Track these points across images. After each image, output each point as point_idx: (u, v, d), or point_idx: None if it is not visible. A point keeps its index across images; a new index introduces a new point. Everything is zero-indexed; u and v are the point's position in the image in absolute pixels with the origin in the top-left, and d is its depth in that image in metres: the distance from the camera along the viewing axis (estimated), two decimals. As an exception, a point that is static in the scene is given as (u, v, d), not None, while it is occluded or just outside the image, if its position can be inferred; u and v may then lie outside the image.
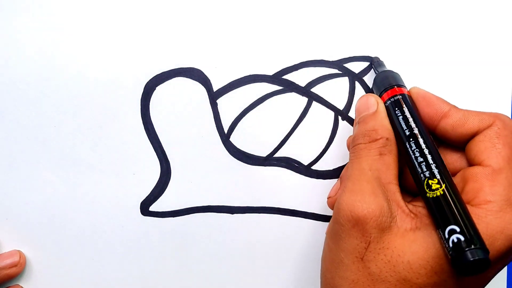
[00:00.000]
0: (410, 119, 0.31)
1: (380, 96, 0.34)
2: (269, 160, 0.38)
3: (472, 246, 0.25)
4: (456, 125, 0.31)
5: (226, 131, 0.38)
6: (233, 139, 0.38)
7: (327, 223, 0.38)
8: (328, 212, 0.38)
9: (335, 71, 0.38)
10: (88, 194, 0.37)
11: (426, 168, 0.29)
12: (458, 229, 0.26)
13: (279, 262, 0.39)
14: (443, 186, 0.28)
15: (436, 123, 0.32)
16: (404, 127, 0.31)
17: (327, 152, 0.38)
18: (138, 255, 0.38)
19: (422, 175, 0.29)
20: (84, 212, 0.37)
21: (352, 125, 0.38)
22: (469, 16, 0.39)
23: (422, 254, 0.27)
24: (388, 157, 0.31)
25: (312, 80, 0.38)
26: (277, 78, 0.38)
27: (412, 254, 0.27)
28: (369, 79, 0.39)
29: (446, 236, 0.26)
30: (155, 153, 0.38)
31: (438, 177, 0.29)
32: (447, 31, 0.39)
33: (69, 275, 0.38)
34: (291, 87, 0.38)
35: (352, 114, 0.39)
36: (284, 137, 0.38)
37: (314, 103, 0.38)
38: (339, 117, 0.38)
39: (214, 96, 0.38)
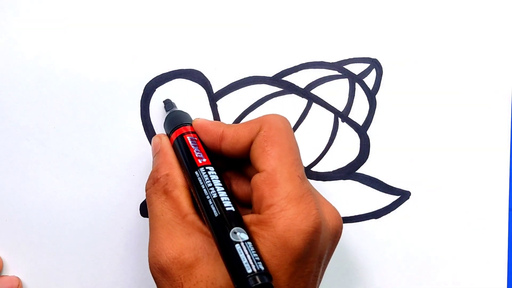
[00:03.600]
0: (186, 155, 0.32)
1: (169, 136, 0.34)
2: (269, 162, 0.38)
3: (249, 274, 0.25)
4: (233, 143, 0.31)
5: (226, 133, 0.38)
6: (233, 140, 0.38)
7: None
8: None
9: (335, 72, 0.38)
10: (87, 195, 0.38)
11: (201, 209, 0.30)
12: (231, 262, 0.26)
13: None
14: (208, 226, 0.29)
15: (218, 147, 0.32)
16: (184, 163, 0.31)
17: (327, 154, 0.38)
18: (137, 256, 0.38)
19: (202, 212, 0.30)
20: (83, 213, 0.38)
21: (352, 127, 0.38)
22: (469, 16, 0.39)
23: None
24: (174, 192, 0.31)
25: (312, 82, 0.38)
26: (277, 79, 0.38)
27: (223, 278, 0.27)
28: (369, 80, 0.39)
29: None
30: (155, 155, 0.38)
31: (206, 220, 0.29)
32: (447, 32, 0.39)
33: (68, 276, 0.38)
34: (291, 88, 0.38)
35: (352, 115, 0.39)
36: (284, 139, 0.38)
37: (314, 105, 0.38)
38: (339, 119, 0.38)
39: (214, 98, 0.38)
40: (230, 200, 0.29)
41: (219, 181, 0.30)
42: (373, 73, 0.38)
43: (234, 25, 0.38)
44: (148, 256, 0.30)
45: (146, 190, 0.32)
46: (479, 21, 0.39)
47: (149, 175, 0.33)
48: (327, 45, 0.38)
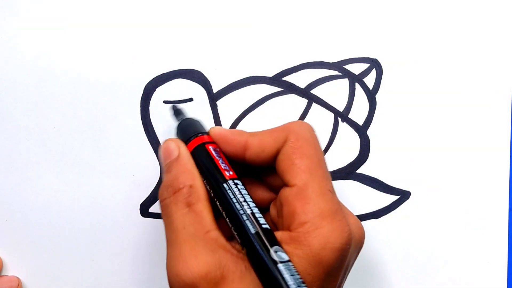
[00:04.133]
0: (211, 166, 0.30)
1: (187, 144, 0.32)
2: (269, 162, 0.38)
3: None
4: (258, 153, 0.30)
5: (226, 133, 0.38)
6: (233, 140, 0.38)
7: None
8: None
9: (335, 72, 0.38)
10: (88, 195, 0.38)
11: (231, 224, 0.28)
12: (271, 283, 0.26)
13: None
14: (244, 250, 0.27)
15: (242, 157, 0.31)
16: (208, 175, 0.30)
17: (327, 154, 0.38)
18: (137, 256, 0.38)
19: (230, 227, 0.28)
20: (83, 213, 0.38)
21: (352, 127, 0.38)
22: (469, 16, 0.39)
23: None
24: (197, 206, 0.29)
25: (312, 82, 0.38)
26: (277, 79, 0.38)
27: None
28: (369, 80, 0.39)
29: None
30: (155, 155, 0.38)
31: (239, 240, 0.28)
32: (447, 32, 0.39)
33: (68, 276, 0.38)
34: (291, 88, 0.38)
35: (352, 115, 0.39)
36: (284, 139, 0.38)
37: (314, 105, 0.38)
38: (339, 119, 0.38)
39: (214, 98, 0.38)
40: (263, 217, 0.28)
41: (249, 196, 0.29)
42: (373, 73, 0.38)
43: (234, 25, 0.38)
44: (170, 273, 0.28)
45: (163, 199, 0.30)
46: (479, 21, 0.39)
47: (165, 183, 0.30)
48: (327, 45, 0.38)
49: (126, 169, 0.37)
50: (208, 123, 0.38)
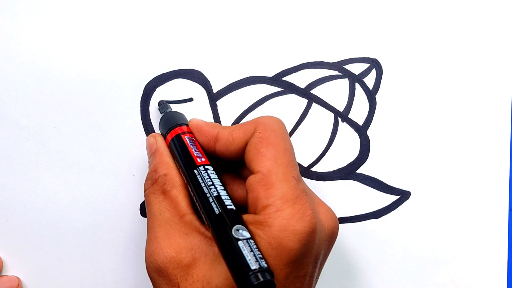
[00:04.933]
0: (185, 153, 0.32)
1: (165, 137, 0.34)
2: (269, 162, 0.38)
3: (252, 271, 0.25)
4: (228, 145, 0.31)
5: (226, 133, 0.38)
6: (233, 140, 0.38)
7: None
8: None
9: (335, 72, 0.38)
10: (87, 195, 0.38)
11: (200, 207, 0.30)
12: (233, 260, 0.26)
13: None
14: (210, 230, 0.29)
15: (213, 148, 0.32)
16: (182, 163, 0.31)
17: (326, 154, 0.38)
18: (137, 256, 0.38)
19: (201, 211, 0.30)
20: (83, 213, 0.38)
21: (352, 127, 0.38)
22: (469, 16, 0.39)
23: (226, 274, 0.27)
24: (172, 192, 0.31)
25: (312, 82, 0.38)
26: (277, 79, 0.38)
27: (218, 277, 0.27)
28: (369, 80, 0.39)
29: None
30: (155, 155, 0.38)
31: (207, 223, 0.29)
32: (447, 32, 0.39)
33: (68, 276, 0.38)
34: (291, 88, 0.38)
35: (352, 115, 0.39)
36: (284, 139, 0.38)
37: (314, 105, 0.38)
38: (339, 119, 0.38)
39: (214, 98, 0.38)
40: (230, 199, 0.29)
41: (218, 180, 0.30)
42: (373, 73, 0.38)
43: (234, 25, 0.38)
44: (145, 255, 0.30)
45: (144, 191, 0.33)
46: (479, 21, 0.39)
47: (147, 176, 0.33)
48: (327, 45, 0.38)
49: (126, 169, 0.37)
50: (208, 123, 0.38)
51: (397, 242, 0.39)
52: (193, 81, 0.38)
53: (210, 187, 0.29)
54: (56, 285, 0.38)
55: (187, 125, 0.34)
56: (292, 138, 0.38)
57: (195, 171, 0.30)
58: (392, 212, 0.39)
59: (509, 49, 0.39)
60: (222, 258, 0.27)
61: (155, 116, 0.38)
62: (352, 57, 0.38)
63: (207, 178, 0.30)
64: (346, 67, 0.38)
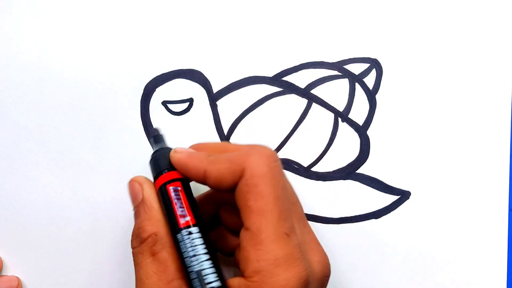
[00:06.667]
0: (169, 212, 0.29)
1: (155, 181, 0.31)
2: (269, 162, 0.38)
3: None
4: (217, 184, 0.29)
5: (226, 133, 0.38)
6: (233, 140, 0.38)
7: (326, 225, 0.38)
8: (328, 214, 0.38)
9: (335, 72, 0.38)
10: (87, 195, 0.38)
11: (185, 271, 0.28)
12: None
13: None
14: None
15: (204, 184, 0.30)
16: (169, 221, 0.29)
17: (326, 154, 0.38)
18: (138, 256, 0.38)
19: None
20: (83, 213, 0.38)
21: (352, 127, 0.38)
22: (469, 16, 0.39)
23: None
24: (162, 254, 0.29)
25: (312, 82, 0.38)
26: (277, 79, 0.38)
27: None
28: (369, 80, 0.39)
29: None
30: (155, 155, 0.38)
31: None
32: (447, 32, 0.39)
33: (68, 276, 0.38)
34: (291, 88, 0.38)
35: (352, 115, 0.39)
36: (284, 139, 0.38)
37: (314, 105, 0.38)
38: (339, 119, 0.38)
39: (214, 98, 0.38)
40: (216, 272, 0.28)
41: (203, 246, 0.28)
42: (373, 73, 0.39)
43: (234, 25, 0.38)
44: None
45: (132, 249, 0.30)
46: (479, 21, 0.39)
47: (133, 232, 0.30)
48: (327, 45, 0.38)
49: (126, 169, 0.37)
50: (208, 123, 0.38)
51: (397, 242, 0.39)
52: (193, 81, 0.38)
53: (191, 259, 0.27)
54: (56, 285, 0.38)
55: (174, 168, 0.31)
56: (292, 138, 0.38)
57: (178, 236, 0.28)
58: (392, 212, 0.39)
59: (509, 49, 0.39)
60: None
61: (155, 116, 0.38)
62: (352, 57, 0.38)
63: (189, 247, 0.28)
64: (346, 67, 0.38)
